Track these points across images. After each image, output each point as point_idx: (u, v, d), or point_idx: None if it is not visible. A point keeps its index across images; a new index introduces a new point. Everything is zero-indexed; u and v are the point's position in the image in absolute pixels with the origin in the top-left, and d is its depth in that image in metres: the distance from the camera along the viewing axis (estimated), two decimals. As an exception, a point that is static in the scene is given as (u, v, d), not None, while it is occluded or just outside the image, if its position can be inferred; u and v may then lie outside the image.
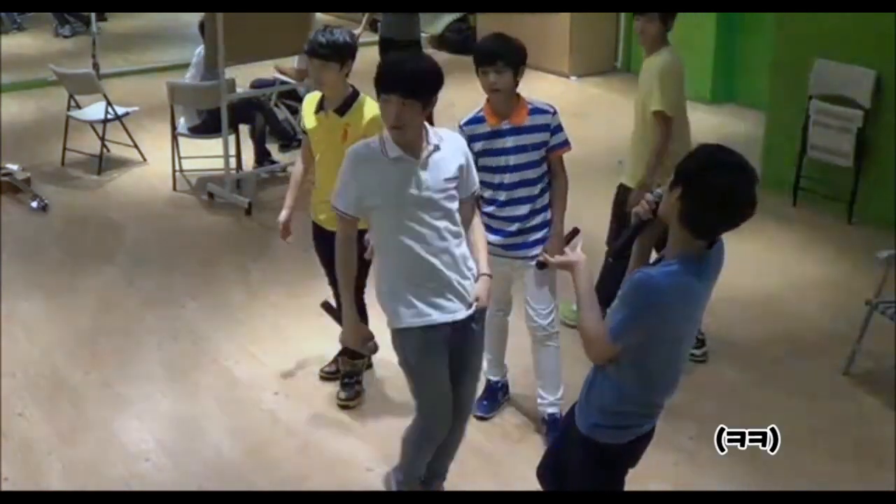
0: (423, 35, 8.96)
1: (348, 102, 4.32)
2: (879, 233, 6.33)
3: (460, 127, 4.09)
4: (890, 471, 4.15)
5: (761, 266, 6.13)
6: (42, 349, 5.24)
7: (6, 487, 4.11)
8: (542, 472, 3.37)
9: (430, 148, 3.37)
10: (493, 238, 4.09)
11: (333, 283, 4.57)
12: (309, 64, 4.38)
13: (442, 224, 3.39)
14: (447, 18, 11.91)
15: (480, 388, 4.37)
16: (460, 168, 3.45)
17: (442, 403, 3.56)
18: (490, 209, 4.18)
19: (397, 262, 3.42)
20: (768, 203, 7.14)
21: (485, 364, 4.25)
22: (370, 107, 4.25)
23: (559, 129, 4.16)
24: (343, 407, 4.68)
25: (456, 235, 3.45)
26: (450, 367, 3.53)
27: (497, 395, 4.66)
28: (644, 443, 3.10)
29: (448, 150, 3.42)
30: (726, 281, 5.91)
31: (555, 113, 4.15)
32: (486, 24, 10.26)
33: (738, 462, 4.22)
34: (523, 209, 4.16)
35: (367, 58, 9.69)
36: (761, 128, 7.60)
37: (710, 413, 4.62)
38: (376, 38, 8.24)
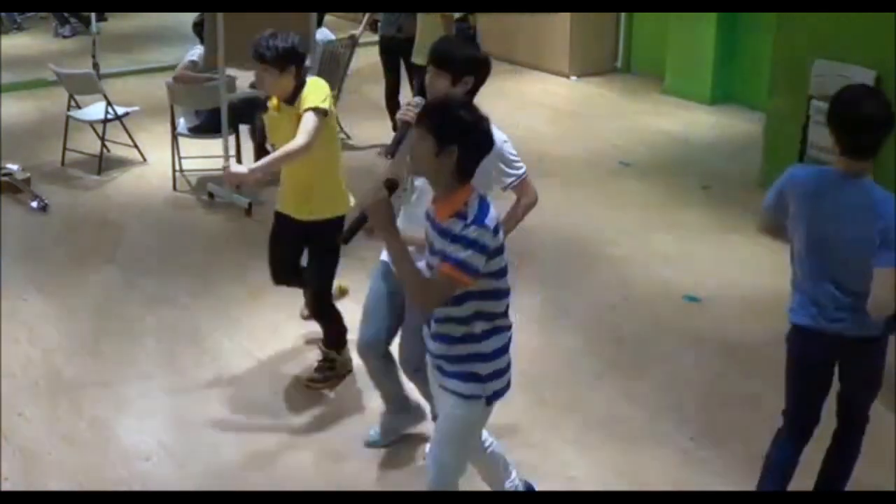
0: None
1: (296, 93, 4.52)
2: (879, 233, 6.31)
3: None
4: (890, 471, 4.15)
5: (761, 266, 6.12)
6: (42, 349, 5.24)
7: (6, 487, 4.11)
8: None
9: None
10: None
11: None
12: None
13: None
14: (447, 18, 11.90)
15: None
16: None
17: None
18: None
19: None
20: (768, 203, 7.23)
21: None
22: (309, 85, 4.51)
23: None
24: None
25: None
26: None
27: None
28: None
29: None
30: (726, 280, 6.00)
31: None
32: (487, 23, 10.26)
33: (738, 462, 4.22)
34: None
35: (368, 58, 9.68)
36: (761, 128, 7.59)
37: (711, 413, 4.62)
38: (376, 38, 8.25)
